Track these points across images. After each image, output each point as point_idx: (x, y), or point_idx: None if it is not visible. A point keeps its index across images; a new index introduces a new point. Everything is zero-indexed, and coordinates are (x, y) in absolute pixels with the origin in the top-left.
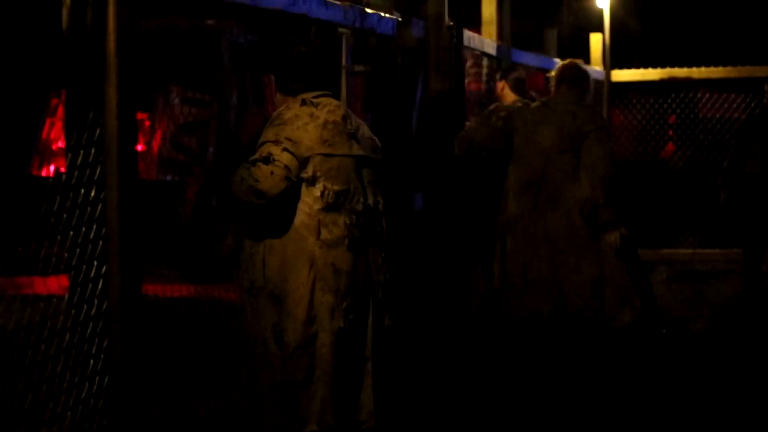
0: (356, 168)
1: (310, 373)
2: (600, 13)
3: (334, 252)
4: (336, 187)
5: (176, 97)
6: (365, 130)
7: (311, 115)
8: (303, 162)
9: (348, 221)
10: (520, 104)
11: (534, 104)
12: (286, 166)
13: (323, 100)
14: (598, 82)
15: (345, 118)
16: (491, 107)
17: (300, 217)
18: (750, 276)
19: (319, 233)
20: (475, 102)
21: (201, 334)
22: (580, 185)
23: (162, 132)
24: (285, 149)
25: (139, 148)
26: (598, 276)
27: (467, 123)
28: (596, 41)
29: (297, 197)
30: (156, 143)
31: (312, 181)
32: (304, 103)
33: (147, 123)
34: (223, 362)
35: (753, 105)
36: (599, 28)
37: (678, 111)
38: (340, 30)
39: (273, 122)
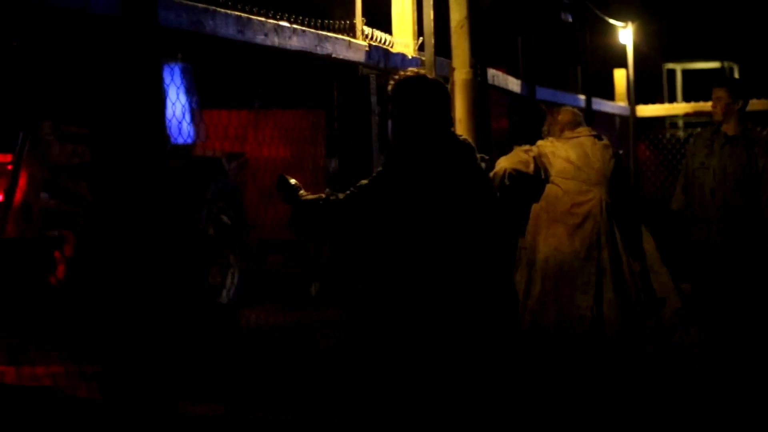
0: None
1: None
2: (623, 49)
3: None
4: None
5: (49, 133)
6: None
7: None
8: None
9: None
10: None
11: None
12: None
13: None
14: (623, 117)
15: None
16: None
17: None
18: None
19: None
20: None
21: None
22: None
23: (30, 177)
24: None
25: None
26: None
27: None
28: (620, 77)
29: None
30: (20, 191)
31: None
32: None
33: (9, 167)
34: None
35: None
36: (623, 64)
37: None
38: (365, 71)
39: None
